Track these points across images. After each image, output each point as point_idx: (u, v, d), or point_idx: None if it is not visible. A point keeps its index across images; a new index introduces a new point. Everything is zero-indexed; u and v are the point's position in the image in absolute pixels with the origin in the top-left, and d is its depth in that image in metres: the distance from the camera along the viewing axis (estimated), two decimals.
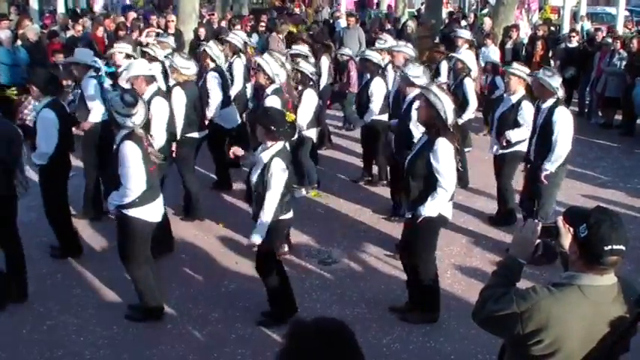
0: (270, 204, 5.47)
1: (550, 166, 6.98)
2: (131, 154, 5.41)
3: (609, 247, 2.75)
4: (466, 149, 10.06)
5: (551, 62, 14.72)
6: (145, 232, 5.74)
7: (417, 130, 7.06)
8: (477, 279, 6.76)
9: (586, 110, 14.65)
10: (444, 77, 11.18)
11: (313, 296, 6.44)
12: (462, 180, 9.51)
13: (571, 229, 2.89)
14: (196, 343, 5.66)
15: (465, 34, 12.33)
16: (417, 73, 7.43)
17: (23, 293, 6.24)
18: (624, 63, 13.03)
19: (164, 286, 6.38)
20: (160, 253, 6.78)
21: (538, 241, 3.02)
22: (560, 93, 7.08)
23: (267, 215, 5.49)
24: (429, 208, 5.52)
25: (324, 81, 11.81)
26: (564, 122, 6.90)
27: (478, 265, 7.14)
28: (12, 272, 6.19)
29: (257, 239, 5.54)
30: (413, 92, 7.30)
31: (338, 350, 2.23)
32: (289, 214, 5.76)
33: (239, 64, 9.98)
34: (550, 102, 6.96)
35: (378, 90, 9.04)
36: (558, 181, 7.18)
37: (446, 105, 5.43)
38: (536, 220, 3.09)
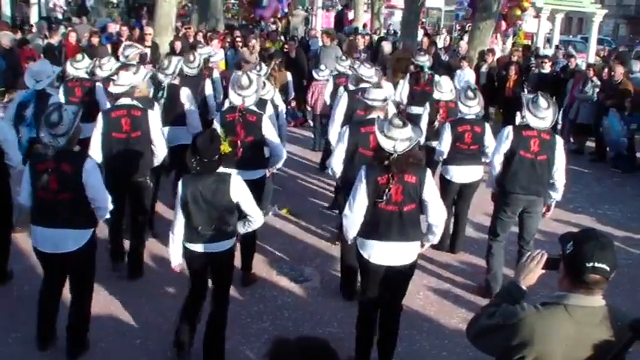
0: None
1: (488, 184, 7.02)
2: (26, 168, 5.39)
3: (591, 264, 2.76)
4: None
5: (524, 87, 14.86)
6: (37, 253, 5.41)
7: None
8: (449, 300, 6.77)
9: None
10: (397, 97, 10.87)
11: (285, 314, 6.38)
12: None
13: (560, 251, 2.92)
14: (166, 359, 5.55)
15: (421, 60, 11.26)
16: (377, 95, 6.50)
17: None
18: (597, 90, 13.22)
19: (134, 301, 6.30)
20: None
21: (542, 271, 3.06)
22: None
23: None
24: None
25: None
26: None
27: (450, 287, 7.13)
28: None
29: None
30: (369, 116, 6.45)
31: None
32: (195, 246, 5.25)
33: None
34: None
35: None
36: (501, 204, 6.74)
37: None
38: (543, 252, 3.09)
